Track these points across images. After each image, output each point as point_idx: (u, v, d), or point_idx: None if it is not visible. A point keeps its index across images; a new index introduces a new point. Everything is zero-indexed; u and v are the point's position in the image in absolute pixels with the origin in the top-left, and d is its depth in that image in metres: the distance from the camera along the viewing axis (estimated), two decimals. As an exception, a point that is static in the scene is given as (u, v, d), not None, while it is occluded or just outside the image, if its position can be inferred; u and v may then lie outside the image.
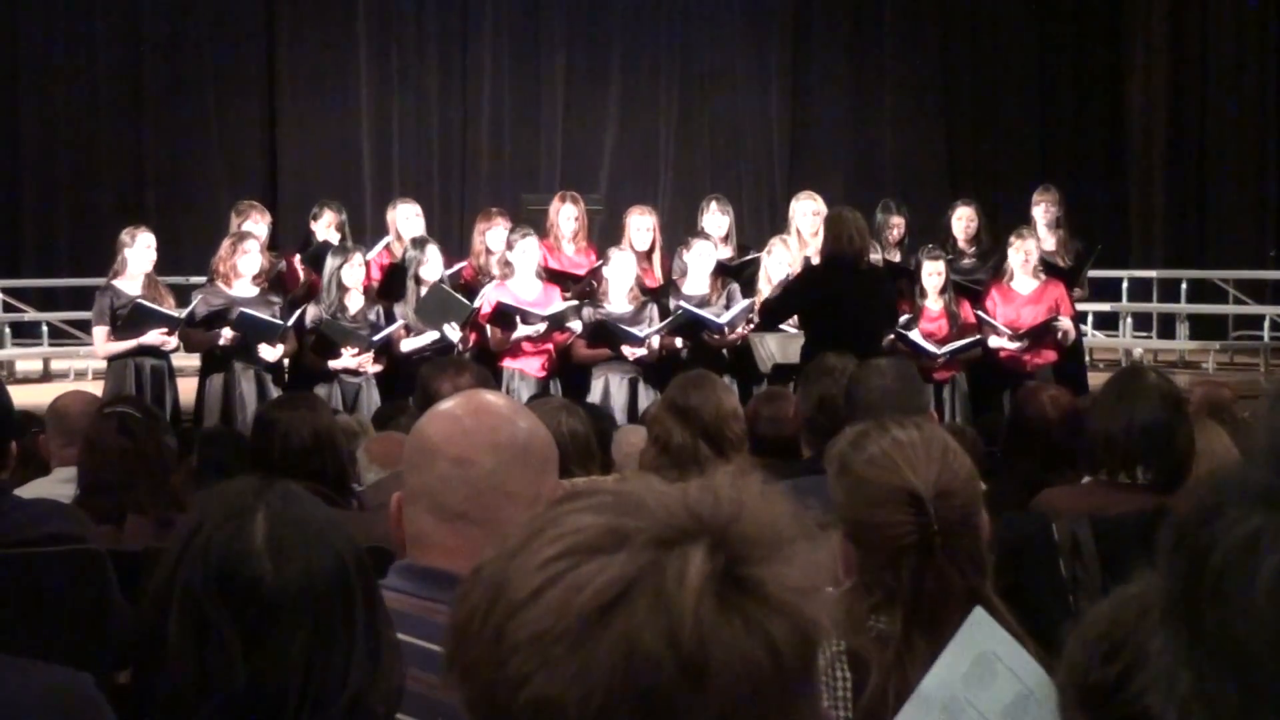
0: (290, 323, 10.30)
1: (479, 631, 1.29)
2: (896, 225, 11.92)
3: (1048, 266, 11.27)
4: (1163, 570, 1.23)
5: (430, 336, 10.37)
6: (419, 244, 10.74)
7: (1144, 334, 17.00)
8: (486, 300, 10.48)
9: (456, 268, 11.12)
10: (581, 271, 11.06)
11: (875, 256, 10.63)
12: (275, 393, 9.96)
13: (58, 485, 5.63)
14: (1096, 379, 10.22)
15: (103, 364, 10.83)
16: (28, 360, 15.72)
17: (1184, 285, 16.96)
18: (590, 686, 1.22)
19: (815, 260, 10.30)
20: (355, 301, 10.40)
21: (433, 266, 10.55)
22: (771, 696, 1.25)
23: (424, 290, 10.47)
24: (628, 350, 10.39)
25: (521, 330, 10.36)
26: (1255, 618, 1.13)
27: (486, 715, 1.28)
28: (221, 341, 10.23)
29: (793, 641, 1.26)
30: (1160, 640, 1.22)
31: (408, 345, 10.39)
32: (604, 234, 12.44)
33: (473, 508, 2.56)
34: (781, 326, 10.51)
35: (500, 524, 2.52)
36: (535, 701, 1.23)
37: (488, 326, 10.50)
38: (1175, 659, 1.19)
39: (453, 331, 10.32)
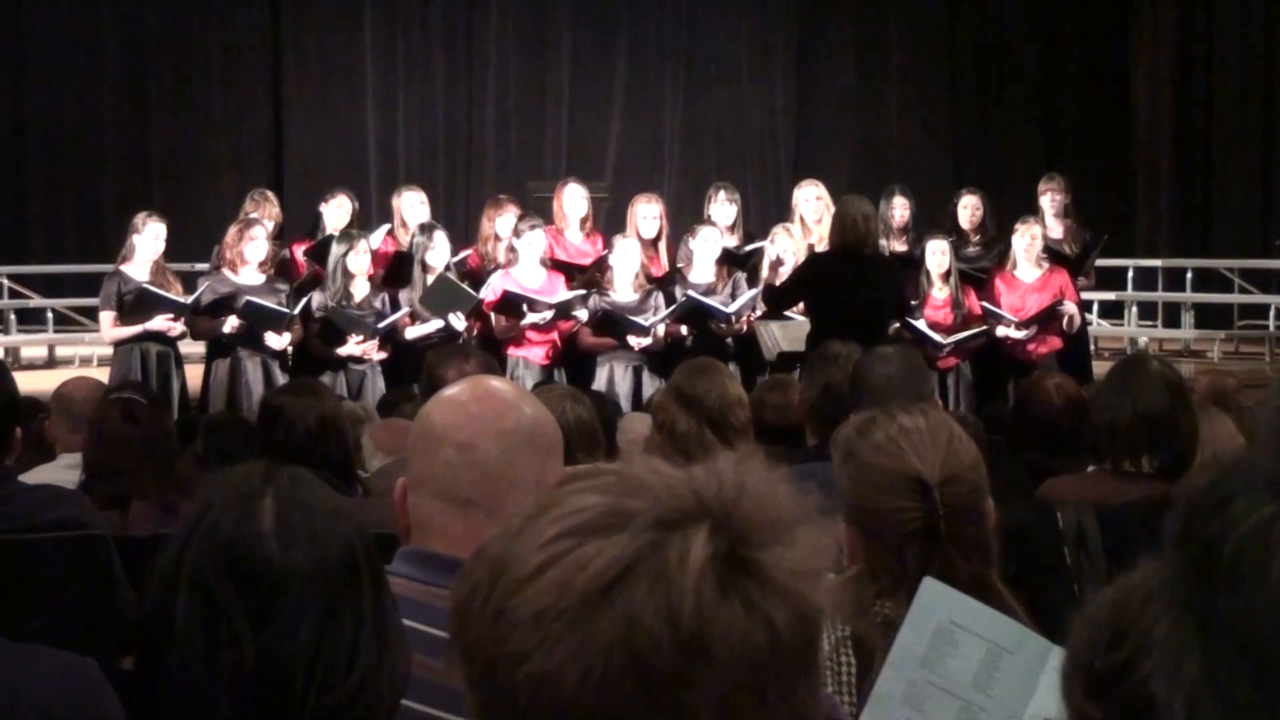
0: (296, 310, 10.29)
1: (481, 609, 1.30)
2: (900, 207, 11.88)
3: (1053, 254, 11.26)
4: (1169, 559, 1.23)
5: (435, 324, 10.36)
6: (426, 230, 10.72)
7: (1149, 323, 17.00)
8: (492, 289, 10.47)
9: (462, 255, 11.12)
10: (587, 261, 11.06)
11: (882, 243, 10.63)
12: (281, 379, 9.97)
13: (63, 471, 5.64)
14: (1101, 368, 10.21)
15: (108, 350, 10.84)
16: (33, 346, 15.75)
17: (1189, 274, 16.97)
18: (589, 664, 1.23)
19: (820, 248, 10.30)
20: (360, 289, 10.40)
21: (439, 252, 10.54)
22: (771, 678, 1.26)
23: (430, 277, 10.46)
24: (633, 339, 10.38)
25: (529, 318, 10.36)
26: (1270, 605, 1.13)
27: (488, 692, 1.29)
28: (227, 329, 10.24)
29: (793, 624, 1.27)
30: (1166, 628, 1.22)
31: (412, 333, 10.39)
32: (609, 222, 12.44)
33: (478, 494, 2.56)
34: (787, 314, 10.53)
35: (505, 510, 2.52)
36: (535, 677, 1.24)
37: (493, 315, 10.49)
38: (1182, 646, 1.19)
39: (458, 321, 10.32)
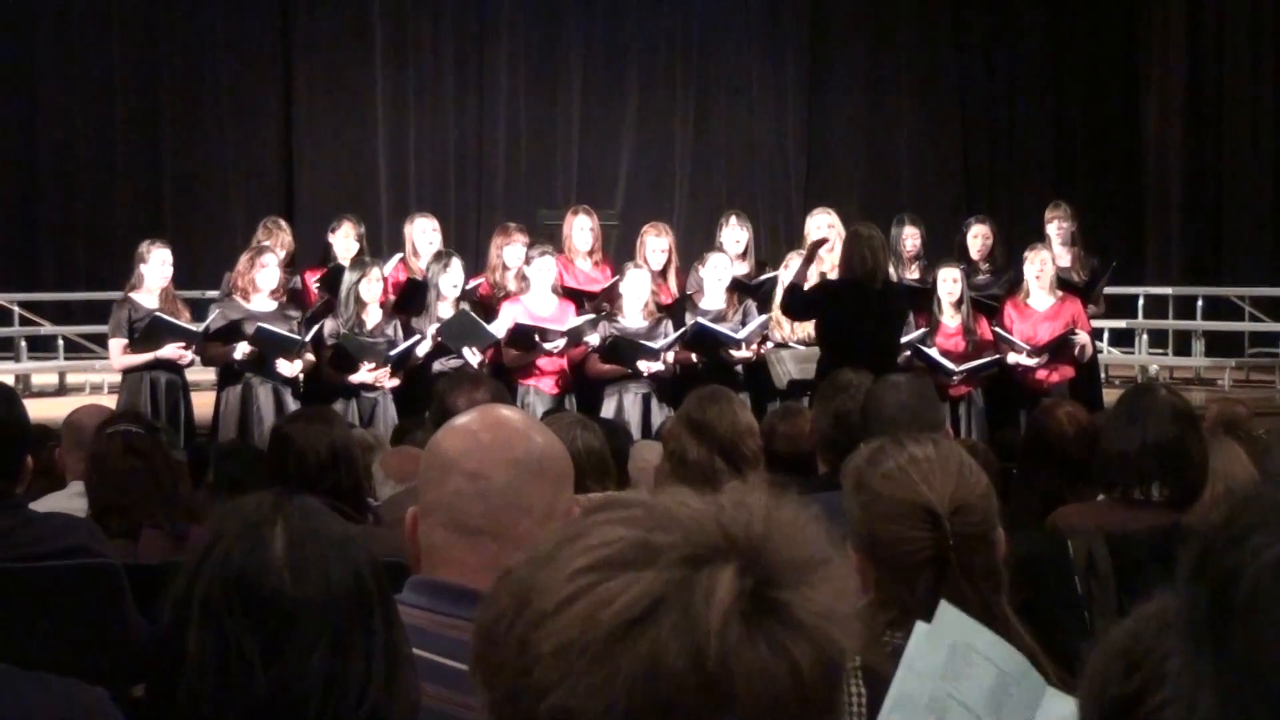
0: (308, 338, 10.29)
1: (505, 637, 1.29)
2: (911, 237, 11.89)
3: (1062, 283, 11.25)
4: (1183, 592, 1.23)
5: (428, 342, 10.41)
6: (441, 257, 10.72)
7: (1160, 351, 16.98)
8: (506, 325, 10.46)
9: (473, 283, 11.11)
10: (597, 288, 11.06)
11: (893, 271, 10.64)
12: (292, 406, 9.96)
13: (73, 499, 5.62)
14: (1112, 396, 10.20)
15: (118, 378, 10.84)
16: (44, 374, 15.74)
17: (1200, 302, 16.93)
18: (611, 701, 1.22)
19: (831, 275, 10.30)
20: (373, 316, 10.41)
21: (452, 279, 10.54)
22: (793, 719, 1.25)
23: (442, 304, 10.47)
24: (643, 365, 10.38)
25: (545, 346, 10.36)
26: None
27: None
28: (237, 355, 10.23)
29: (817, 666, 1.26)
30: (1180, 661, 1.22)
31: (423, 349, 10.39)
32: (620, 249, 12.44)
33: (488, 523, 2.55)
34: (795, 345, 10.55)
35: (515, 539, 2.52)
36: (556, 712, 1.24)
37: (504, 348, 10.49)
38: (1196, 679, 1.19)
39: (472, 355, 10.33)
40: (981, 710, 2.60)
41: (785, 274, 10.88)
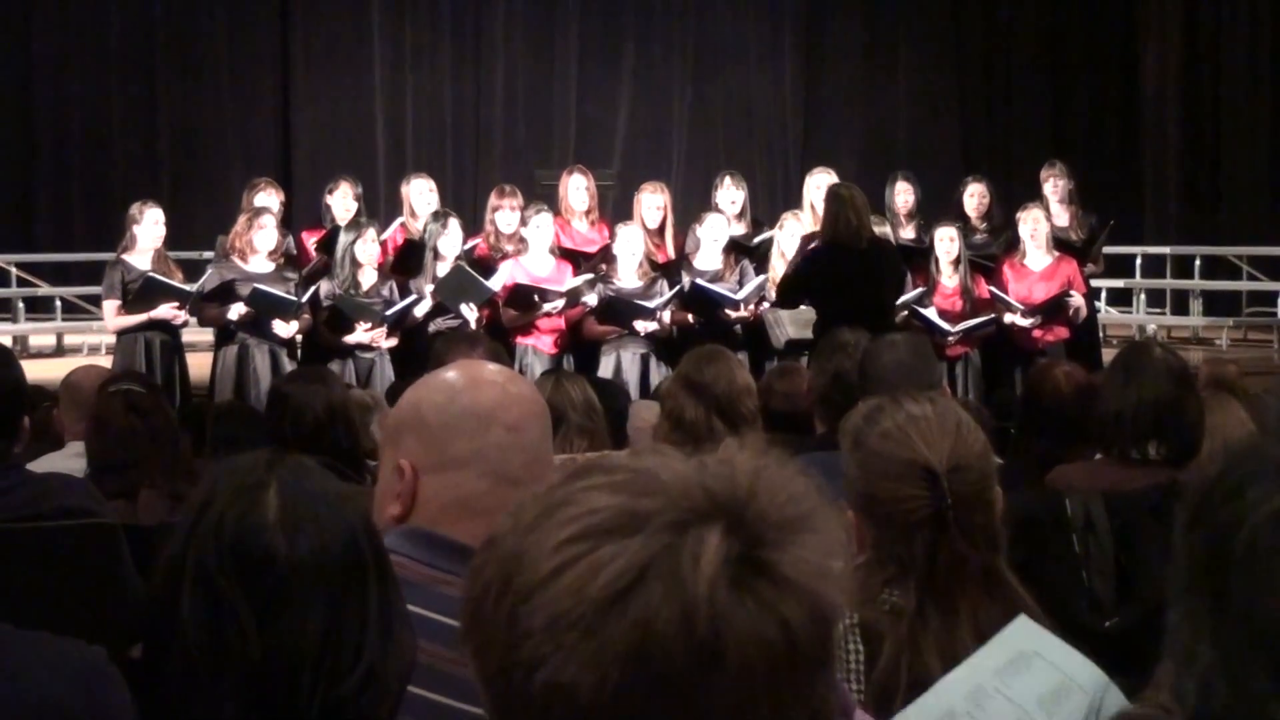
0: (304, 299, 10.27)
1: (494, 611, 1.29)
2: (904, 193, 11.85)
3: (1060, 243, 11.24)
4: (1180, 546, 1.23)
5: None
6: (439, 217, 10.70)
7: (1157, 310, 16.99)
8: (503, 280, 10.45)
9: (471, 244, 11.08)
10: (594, 248, 11.04)
11: (883, 230, 10.61)
12: (289, 367, 9.96)
13: (70, 459, 5.63)
14: (1110, 355, 10.20)
15: (115, 339, 10.83)
16: (42, 335, 15.76)
17: (1197, 262, 16.94)
18: (605, 671, 1.22)
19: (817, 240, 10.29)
20: (368, 277, 10.39)
21: (452, 240, 10.53)
22: (787, 677, 1.25)
23: (441, 264, 10.46)
24: (639, 324, 10.37)
25: (544, 308, 10.35)
26: None
27: (502, 694, 1.28)
28: (233, 316, 10.21)
29: (808, 623, 1.26)
30: (1178, 614, 1.21)
31: (422, 309, 10.39)
32: (617, 210, 12.42)
33: (526, 473, 2.60)
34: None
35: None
36: (550, 685, 1.23)
37: (501, 306, 10.48)
38: (1196, 631, 1.19)
39: (469, 312, 10.32)
40: (1030, 705, 2.58)
41: (780, 234, 10.86)
